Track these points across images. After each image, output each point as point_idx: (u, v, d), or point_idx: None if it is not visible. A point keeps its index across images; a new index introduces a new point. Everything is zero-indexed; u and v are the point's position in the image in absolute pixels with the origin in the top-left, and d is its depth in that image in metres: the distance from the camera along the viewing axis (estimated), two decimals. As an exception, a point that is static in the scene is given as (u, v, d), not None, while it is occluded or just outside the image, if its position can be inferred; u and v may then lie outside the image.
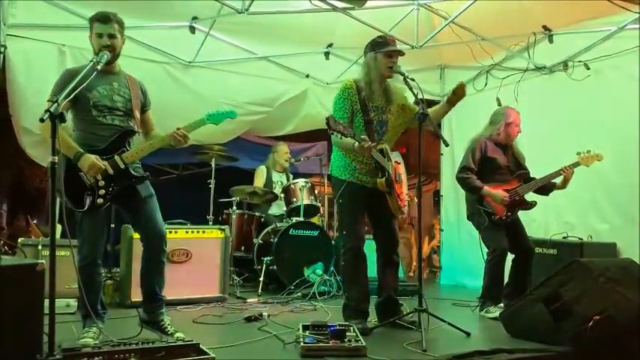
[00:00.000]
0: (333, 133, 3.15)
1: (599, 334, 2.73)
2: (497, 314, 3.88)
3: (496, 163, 4.15)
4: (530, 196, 4.17)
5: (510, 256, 4.14)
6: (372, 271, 3.64)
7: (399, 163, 3.65)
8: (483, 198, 4.11)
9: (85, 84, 2.63)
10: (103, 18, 2.94)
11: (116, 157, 2.90)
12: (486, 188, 4.08)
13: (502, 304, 3.98)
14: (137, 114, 3.08)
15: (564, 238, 4.43)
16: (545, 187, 4.15)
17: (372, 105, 3.47)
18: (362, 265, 3.49)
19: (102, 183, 2.85)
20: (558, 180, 4.12)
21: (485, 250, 4.11)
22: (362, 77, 3.49)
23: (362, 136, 3.21)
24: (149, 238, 3.02)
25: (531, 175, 4.22)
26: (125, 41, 3.06)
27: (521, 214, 4.21)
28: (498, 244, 4.04)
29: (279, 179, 6.15)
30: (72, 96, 2.56)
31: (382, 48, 3.41)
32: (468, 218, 4.30)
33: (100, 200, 2.85)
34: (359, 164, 3.48)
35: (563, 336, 2.90)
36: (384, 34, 3.59)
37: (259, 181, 6.07)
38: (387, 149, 3.48)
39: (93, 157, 2.82)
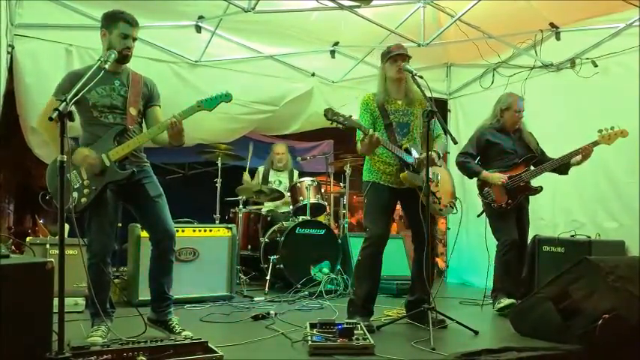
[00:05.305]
0: (332, 124, 3.26)
1: (608, 332, 2.71)
2: (505, 304, 3.89)
3: (500, 148, 4.18)
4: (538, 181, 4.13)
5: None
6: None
7: (438, 165, 3.63)
8: (483, 186, 4.13)
9: (91, 84, 2.57)
10: (132, 20, 2.95)
11: (102, 155, 2.86)
12: (484, 172, 4.12)
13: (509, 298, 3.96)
14: (132, 111, 2.98)
15: (572, 236, 4.41)
16: (562, 167, 4.10)
17: (392, 109, 3.57)
18: (377, 265, 3.51)
19: (87, 182, 2.84)
20: (575, 159, 4.04)
21: (492, 243, 4.11)
22: (378, 86, 3.64)
23: (367, 128, 3.32)
24: (158, 238, 3.02)
25: (547, 156, 4.21)
26: None
27: (529, 212, 4.19)
28: (508, 235, 4.04)
29: (276, 178, 6.13)
30: (77, 97, 2.43)
31: (387, 55, 3.57)
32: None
33: (83, 199, 2.83)
34: (382, 165, 3.54)
35: (572, 334, 2.88)
36: (389, 46, 3.67)
37: (255, 181, 6.05)
38: (412, 148, 3.52)
39: (86, 150, 2.85)
